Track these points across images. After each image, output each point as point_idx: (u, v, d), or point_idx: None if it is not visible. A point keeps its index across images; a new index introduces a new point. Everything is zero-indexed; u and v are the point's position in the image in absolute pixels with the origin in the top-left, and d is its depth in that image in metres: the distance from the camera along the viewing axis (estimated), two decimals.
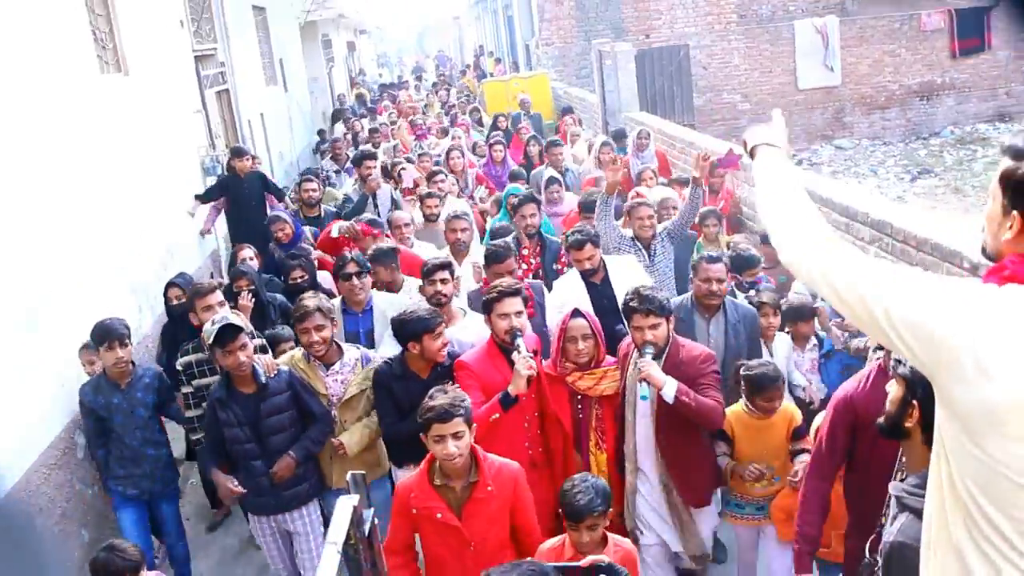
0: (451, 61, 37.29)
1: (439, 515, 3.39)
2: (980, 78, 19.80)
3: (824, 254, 1.88)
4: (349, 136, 14.11)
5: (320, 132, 17.47)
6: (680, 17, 19.42)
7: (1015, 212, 1.76)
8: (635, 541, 4.12)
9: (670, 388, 3.86)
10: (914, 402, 2.49)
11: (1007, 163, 1.79)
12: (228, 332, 4.20)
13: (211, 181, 9.55)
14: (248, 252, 6.83)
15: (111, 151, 6.94)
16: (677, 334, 4.20)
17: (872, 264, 1.85)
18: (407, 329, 4.30)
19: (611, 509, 3.31)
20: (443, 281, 4.92)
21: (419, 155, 10.87)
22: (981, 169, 16.87)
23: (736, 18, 19.66)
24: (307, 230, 7.80)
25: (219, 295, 5.28)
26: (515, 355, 4.04)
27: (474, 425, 3.42)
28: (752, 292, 5.50)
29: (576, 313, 4.25)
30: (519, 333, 4.14)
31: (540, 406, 4.25)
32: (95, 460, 5.07)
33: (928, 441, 2.09)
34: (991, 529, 1.70)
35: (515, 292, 4.26)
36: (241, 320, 4.50)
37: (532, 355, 4.12)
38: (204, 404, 4.80)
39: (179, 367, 5.21)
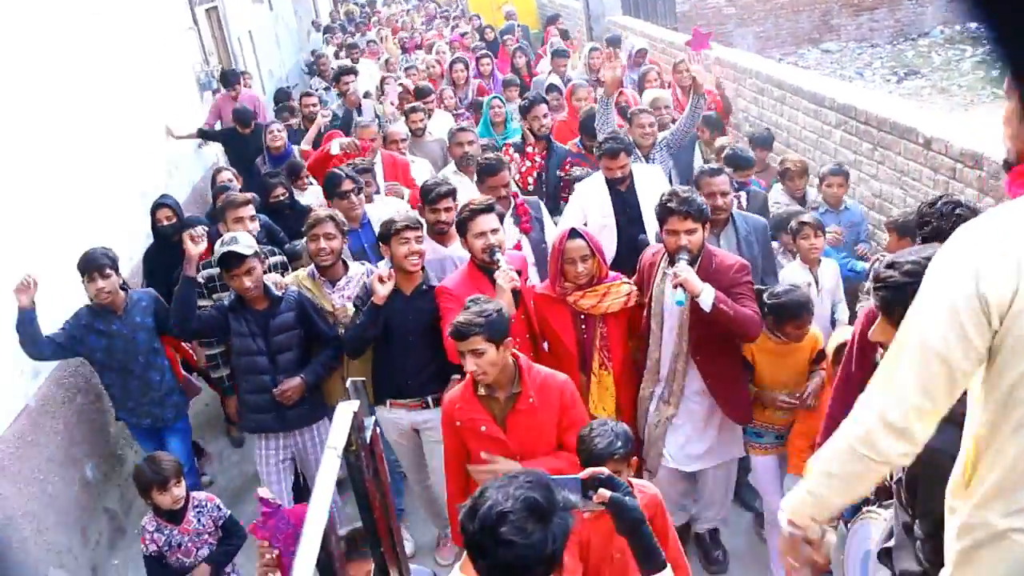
0: None
1: (483, 428, 3.29)
2: None
3: (887, 408, 1.85)
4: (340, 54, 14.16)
5: (313, 52, 17.41)
6: None
7: None
8: (643, 461, 4.05)
9: (708, 295, 3.65)
10: None
11: None
12: (232, 259, 4.22)
13: (207, 96, 9.76)
14: (227, 174, 6.75)
15: (111, 68, 7.15)
16: None
17: (900, 352, 1.85)
18: (379, 233, 4.29)
19: (633, 456, 3.13)
20: (447, 210, 4.68)
21: (406, 68, 11.08)
22: (969, 69, 16.92)
23: None
24: (296, 148, 7.71)
25: (251, 208, 5.27)
26: (497, 273, 3.94)
27: (508, 339, 3.27)
28: (742, 193, 5.47)
29: (573, 233, 4.03)
30: (496, 249, 4.05)
31: (530, 328, 4.16)
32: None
33: None
34: None
35: (488, 208, 4.12)
36: (251, 242, 4.42)
37: (517, 272, 4.05)
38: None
39: (200, 279, 4.93)
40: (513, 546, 1.79)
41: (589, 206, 5.02)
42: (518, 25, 14.23)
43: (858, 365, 3.27)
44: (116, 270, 4.75)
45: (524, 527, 1.80)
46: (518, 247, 4.69)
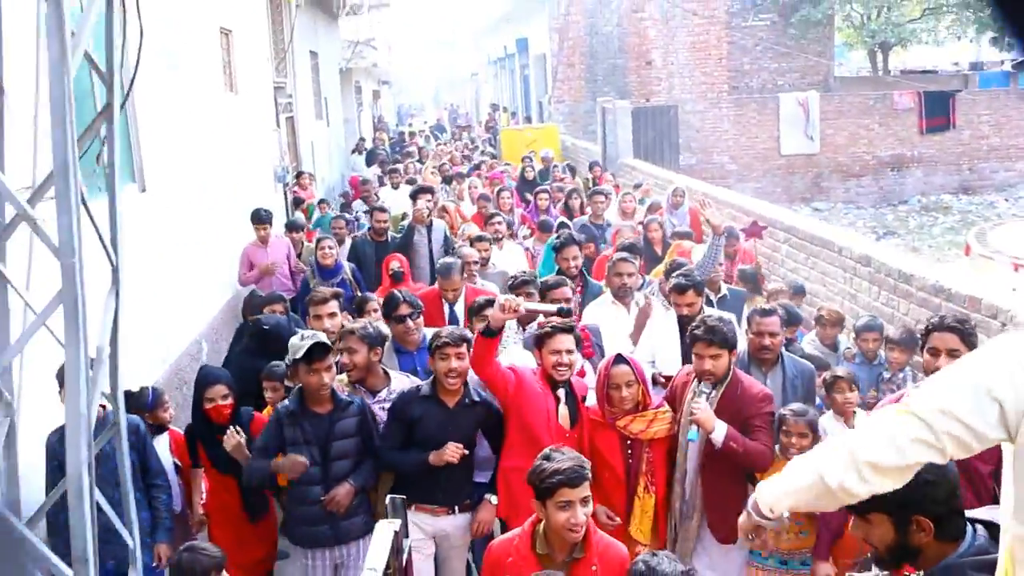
0: (467, 115, 39.78)
1: None
2: (945, 154, 21.75)
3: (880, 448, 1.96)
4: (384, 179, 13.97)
5: (361, 140, 19.41)
6: (677, 84, 21.92)
7: None
8: None
9: (719, 432, 3.89)
10: (918, 518, 2.19)
11: None
12: (318, 350, 4.05)
13: (279, 188, 11.67)
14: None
15: (224, 153, 8.92)
16: None
17: (924, 400, 1.97)
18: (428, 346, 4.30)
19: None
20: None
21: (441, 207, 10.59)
22: (939, 233, 18.94)
23: (728, 88, 22.09)
24: (347, 265, 7.78)
25: (334, 304, 5.28)
26: (501, 298, 4.10)
27: None
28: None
29: (619, 359, 4.16)
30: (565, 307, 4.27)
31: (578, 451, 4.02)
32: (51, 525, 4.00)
33: (944, 534, 2.14)
34: None
35: (569, 329, 4.20)
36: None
37: (577, 399, 4.24)
38: None
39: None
40: None
41: (657, 345, 5.12)
42: (555, 164, 14.77)
43: None
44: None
45: None
46: (582, 373, 4.74)
